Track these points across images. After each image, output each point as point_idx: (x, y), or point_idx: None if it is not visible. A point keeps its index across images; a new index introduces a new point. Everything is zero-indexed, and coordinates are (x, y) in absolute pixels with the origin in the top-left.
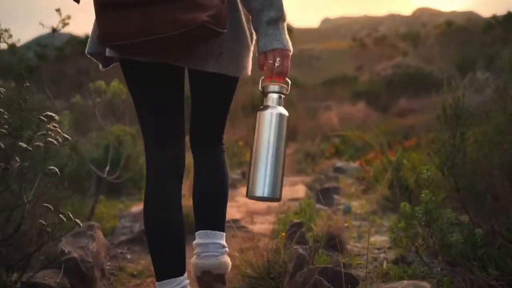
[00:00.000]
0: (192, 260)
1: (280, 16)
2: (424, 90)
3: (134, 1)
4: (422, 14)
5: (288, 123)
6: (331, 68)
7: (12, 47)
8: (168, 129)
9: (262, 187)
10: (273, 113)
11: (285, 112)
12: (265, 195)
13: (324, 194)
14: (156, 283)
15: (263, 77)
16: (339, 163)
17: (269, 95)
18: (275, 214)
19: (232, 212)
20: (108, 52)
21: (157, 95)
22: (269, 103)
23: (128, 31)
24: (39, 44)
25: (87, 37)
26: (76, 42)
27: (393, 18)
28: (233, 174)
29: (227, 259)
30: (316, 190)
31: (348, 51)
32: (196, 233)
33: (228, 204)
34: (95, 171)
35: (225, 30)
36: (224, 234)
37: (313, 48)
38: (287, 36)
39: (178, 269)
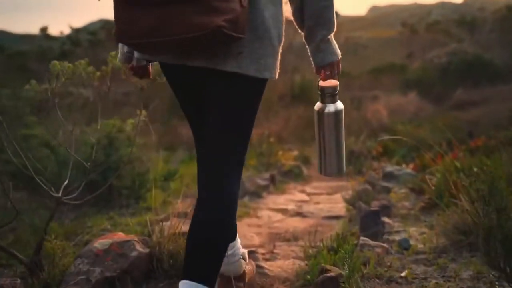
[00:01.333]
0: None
1: (331, 33)
2: (484, 80)
3: (150, 2)
4: (474, 2)
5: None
6: (378, 56)
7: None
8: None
9: (335, 167)
10: (332, 112)
11: (341, 106)
12: (335, 174)
13: (370, 219)
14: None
15: (319, 79)
16: (389, 167)
17: (326, 95)
18: (303, 242)
19: (251, 234)
20: (136, 54)
21: (180, 96)
22: (328, 102)
23: (141, 29)
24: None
25: None
26: (111, 26)
27: (444, 6)
28: (259, 180)
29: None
30: (360, 211)
31: (397, 39)
32: (180, 282)
33: (248, 221)
34: (50, 187)
35: (243, 35)
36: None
37: (360, 36)
38: (335, 43)
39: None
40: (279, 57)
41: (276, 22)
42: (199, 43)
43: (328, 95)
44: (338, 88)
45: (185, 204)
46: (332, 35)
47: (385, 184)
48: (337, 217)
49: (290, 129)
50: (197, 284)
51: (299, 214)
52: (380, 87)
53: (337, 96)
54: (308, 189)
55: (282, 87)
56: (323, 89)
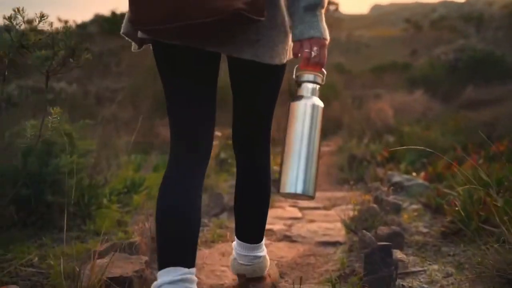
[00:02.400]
0: (231, 257)
1: (318, 3)
2: (495, 78)
3: None
4: (477, 2)
5: (325, 115)
6: (381, 55)
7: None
8: (195, 118)
9: (294, 183)
10: (307, 104)
11: (320, 103)
12: (298, 191)
13: (378, 257)
14: (158, 272)
15: (297, 65)
16: (397, 176)
17: (304, 84)
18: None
19: (222, 268)
20: (140, 33)
21: (187, 80)
22: (303, 93)
23: (159, 15)
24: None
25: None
26: (102, 20)
27: (447, 5)
28: None
29: (262, 264)
30: (364, 242)
31: (400, 37)
32: (235, 240)
33: (223, 247)
34: None
35: (262, 18)
36: (262, 242)
37: (362, 35)
38: (325, 24)
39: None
40: (290, 44)
41: (286, 8)
42: (217, 28)
43: (306, 84)
44: (321, 79)
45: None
46: (322, 11)
47: (393, 198)
48: (334, 244)
49: (284, 129)
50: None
51: (288, 238)
52: (382, 86)
53: (317, 90)
54: (301, 201)
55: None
56: (299, 76)
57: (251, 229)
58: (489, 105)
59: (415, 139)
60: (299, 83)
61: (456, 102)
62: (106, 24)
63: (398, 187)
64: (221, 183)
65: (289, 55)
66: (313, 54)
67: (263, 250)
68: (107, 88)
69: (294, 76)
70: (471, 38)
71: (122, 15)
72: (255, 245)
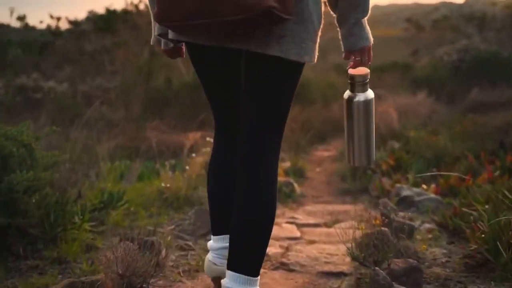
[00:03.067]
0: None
1: (366, 15)
2: (501, 79)
3: None
4: (476, 3)
5: (327, 116)
6: (381, 55)
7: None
8: (223, 110)
9: (365, 158)
10: (362, 101)
11: (371, 94)
12: (364, 164)
13: None
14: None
15: (348, 67)
16: (405, 189)
17: (357, 83)
18: None
19: None
20: (170, 34)
21: (213, 76)
22: (359, 91)
23: (186, 10)
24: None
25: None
26: (96, 17)
27: (446, 6)
28: None
29: None
30: (378, 283)
31: (401, 38)
32: (226, 272)
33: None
34: None
35: (291, 17)
36: (257, 278)
37: None
38: (368, 28)
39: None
40: (318, 41)
41: (317, 5)
42: (243, 25)
43: (359, 84)
44: (369, 76)
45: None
46: (365, 19)
47: (403, 217)
48: (338, 275)
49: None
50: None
51: (285, 266)
52: (384, 86)
53: (368, 85)
54: (300, 216)
55: None
56: (353, 77)
57: (247, 256)
58: (497, 109)
59: (422, 145)
60: (352, 83)
61: (461, 104)
62: (100, 22)
63: (407, 202)
64: None
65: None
66: (363, 60)
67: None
68: (99, 87)
69: (348, 77)
70: (473, 38)
71: (116, 12)
72: (251, 278)
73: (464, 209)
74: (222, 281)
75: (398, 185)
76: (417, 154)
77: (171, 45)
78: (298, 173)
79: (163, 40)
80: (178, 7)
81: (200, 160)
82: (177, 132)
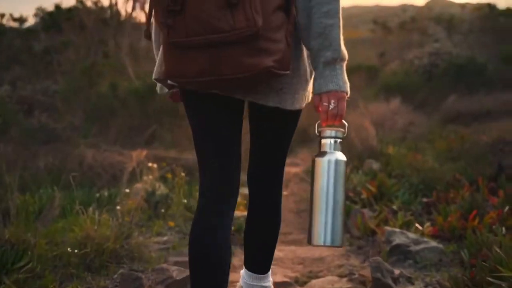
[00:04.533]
0: (237, 285)
1: (337, 57)
2: (478, 86)
3: (201, 43)
4: (435, 5)
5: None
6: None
7: None
8: (223, 159)
9: (323, 235)
10: (330, 160)
11: (342, 157)
12: (327, 243)
13: None
14: None
15: (319, 121)
16: (399, 234)
17: (325, 140)
18: None
19: None
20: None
21: (215, 123)
22: (326, 149)
23: (192, 70)
24: None
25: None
26: (45, 15)
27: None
28: (179, 257)
29: None
30: None
31: (366, 40)
32: (244, 269)
33: None
34: None
35: (288, 72)
36: (269, 273)
37: None
38: (345, 77)
39: None
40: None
41: (308, 59)
42: (246, 81)
43: (328, 140)
44: (343, 134)
45: None
46: (342, 64)
47: (399, 274)
48: None
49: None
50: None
51: None
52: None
53: (339, 145)
54: None
55: None
56: (320, 132)
57: (259, 260)
58: (478, 119)
59: (405, 165)
60: (321, 139)
61: (438, 113)
62: (49, 19)
63: (401, 253)
64: (153, 240)
65: (308, 99)
66: (330, 107)
67: (270, 280)
68: (46, 91)
69: (316, 131)
70: (442, 41)
71: (67, 9)
72: (262, 275)
73: (489, 278)
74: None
75: (387, 228)
76: (401, 178)
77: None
78: None
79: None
80: (184, 68)
81: (140, 189)
82: (119, 149)
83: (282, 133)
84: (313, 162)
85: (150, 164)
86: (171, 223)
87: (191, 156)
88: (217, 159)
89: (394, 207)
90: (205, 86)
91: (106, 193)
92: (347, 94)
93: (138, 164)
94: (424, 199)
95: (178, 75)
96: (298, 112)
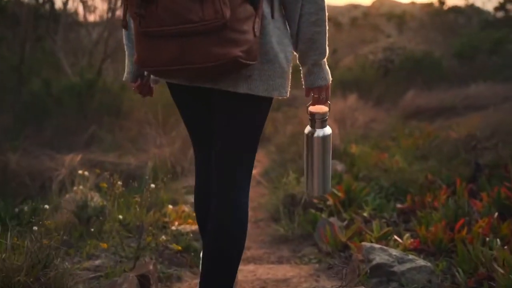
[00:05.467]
0: None
1: (323, 58)
2: (435, 81)
3: (172, 33)
4: (381, 6)
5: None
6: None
7: None
8: (200, 141)
9: (322, 189)
10: (320, 137)
11: (329, 131)
12: (321, 193)
13: None
14: None
15: (308, 104)
16: (378, 251)
17: (316, 120)
18: None
19: None
20: (152, 75)
21: (188, 111)
22: (318, 127)
23: (163, 58)
24: None
25: None
26: None
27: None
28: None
29: None
30: None
31: None
32: None
33: None
34: None
35: (255, 62)
36: None
37: None
38: (327, 69)
39: None
40: (290, 77)
41: (283, 46)
42: (215, 70)
43: (318, 120)
44: (328, 114)
45: None
46: (325, 60)
47: None
48: None
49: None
50: None
51: None
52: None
53: (326, 122)
54: None
55: None
56: (312, 114)
57: (216, 282)
58: (440, 114)
59: (371, 166)
60: (312, 119)
61: (397, 109)
62: None
63: (384, 274)
64: (82, 266)
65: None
66: (321, 97)
67: None
68: None
69: (307, 113)
70: (394, 37)
71: None
72: None
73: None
74: None
75: (365, 244)
76: (369, 181)
77: (155, 83)
78: None
79: (145, 77)
80: (156, 56)
81: (71, 201)
82: (53, 153)
83: (251, 123)
84: (308, 137)
85: (80, 172)
86: (104, 245)
87: (133, 160)
88: (196, 147)
89: (365, 214)
90: (175, 75)
91: (27, 208)
92: (330, 83)
93: (72, 170)
94: (398, 205)
95: (149, 63)
96: (269, 101)
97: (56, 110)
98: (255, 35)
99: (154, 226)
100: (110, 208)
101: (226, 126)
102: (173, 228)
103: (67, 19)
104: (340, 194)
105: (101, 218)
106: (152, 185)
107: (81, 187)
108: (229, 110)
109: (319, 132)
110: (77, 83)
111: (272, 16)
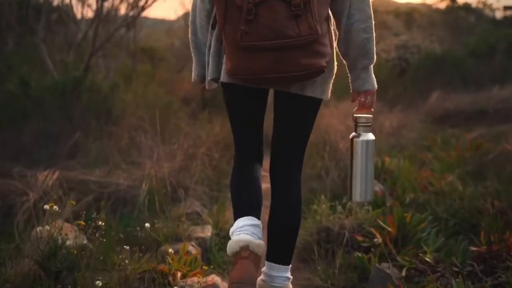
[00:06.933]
0: (259, 281)
1: (372, 63)
2: (459, 82)
3: (268, 47)
4: (378, 6)
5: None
6: None
7: None
8: (252, 137)
9: (364, 195)
10: (364, 140)
11: (372, 137)
12: (367, 200)
13: None
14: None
15: (354, 110)
16: None
17: (360, 125)
18: None
19: None
20: (225, 79)
21: (247, 108)
22: (361, 131)
23: (259, 68)
24: None
25: None
26: None
27: None
28: None
29: (291, 285)
30: None
31: None
32: (266, 261)
33: None
34: None
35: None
36: (290, 266)
37: None
38: (373, 75)
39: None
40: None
41: (334, 55)
42: (301, 78)
43: (361, 125)
44: (371, 119)
45: None
46: (371, 66)
47: None
48: None
49: (198, 163)
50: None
51: None
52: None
53: (370, 127)
54: None
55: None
56: (357, 119)
57: (282, 250)
58: (475, 119)
59: (417, 187)
60: (357, 124)
61: (423, 113)
62: None
63: None
64: None
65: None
66: (367, 101)
67: (291, 277)
68: None
69: (352, 119)
70: (402, 35)
71: None
72: (285, 266)
73: None
74: (263, 269)
75: None
76: (418, 208)
77: (215, 85)
78: (219, 244)
79: (207, 81)
80: (252, 66)
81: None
82: (23, 170)
83: (307, 120)
84: (352, 141)
85: (47, 207)
86: None
87: (123, 178)
88: (241, 138)
89: (428, 258)
90: (265, 82)
91: None
92: (375, 89)
93: (44, 193)
94: (473, 247)
95: (245, 72)
96: (321, 101)
97: (35, 113)
98: (332, 48)
99: (148, 282)
100: (92, 248)
101: (289, 121)
102: (176, 282)
103: (49, 6)
104: (390, 229)
105: (75, 273)
106: (147, 224)
107: (47, 227)
108: (293, 108)
109: (362, 137)
110: (61, 81)
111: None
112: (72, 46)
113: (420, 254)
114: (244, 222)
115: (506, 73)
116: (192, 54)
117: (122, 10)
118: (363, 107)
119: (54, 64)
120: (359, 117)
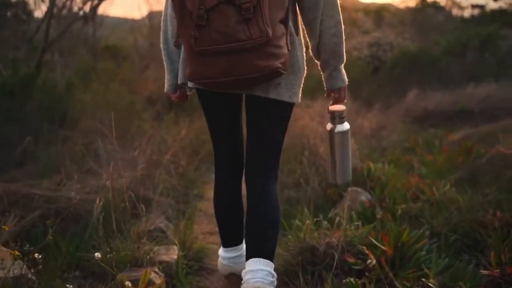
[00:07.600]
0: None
1: (341, 64)
2: (437, 81)
3: (222, 51)
4: (346, 4)
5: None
6: None
7: None
8: (227, 142)
9: (344, 177)
10: (340, 132)
11: (348, 126)
12: (340, 182)
13: None
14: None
15: (328, 105)
16: None
17: (336, 118)
18: None
19: None
20: (190, 84)
21: (215, 114)
22: (337, 123)
23: (215, 72)
24: None
25: None
26: None
27: None
28: None
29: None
30: None
31: None
32: (246, 262)
33: None
34: None
35: (287, 71)
36: (273, 265)
37: None
38: (344, 72)
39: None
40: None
41: (303, 58)
42: (256, 80)
43: (337, 118)
44: (345, 112)
45: None
46: (342, 65)
47: None
48: None
49: (162, 172)
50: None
51: None
52: None
53: (344, 118)
54: None
55: (151, 84)
56: (333, 112)
57: (265, 247)
58: (456, 118)
59: (407, 196)
60: (332, 116)
61: (400, 112)
62: None
63: None
64: None
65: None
66: (340, 96)
67: (275, 277)
68: None
69: (328, 112)
70: (372, 33)
71: None
72: (270, 262)
73: None
74: (245, 269)
75: None
76: (411, 220)
77: (193, 90)
78: (195, 271)
79: (188, 86)
80: (208, 70)
81: None
82: None
83: (277, 123)
84: (330, 132)
85: None
86: None
87: (75, 191)
88: (217, 146)
89: (432, 284)
90: (222, 85)
91: None
92: (346, 83)
93: None
94: (482, 270)
95: (201, 77)
96: (292, 105)
97: None
98: (288, 49)
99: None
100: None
101: (257, 124)
102: None
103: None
104: (385, 248)
105: None
106: (97, 254)
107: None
108: (260, 111)
109: (339, 128)
110: (9, 80)
111: (297, 34)
112: (23, 42)
113: (423, 279)
114: (230, 254)
115: (478, 71)
116: (164, 64)
117: (79, 4)
118: (337, 101)
119: (4, 61)
120: (335, 111)
